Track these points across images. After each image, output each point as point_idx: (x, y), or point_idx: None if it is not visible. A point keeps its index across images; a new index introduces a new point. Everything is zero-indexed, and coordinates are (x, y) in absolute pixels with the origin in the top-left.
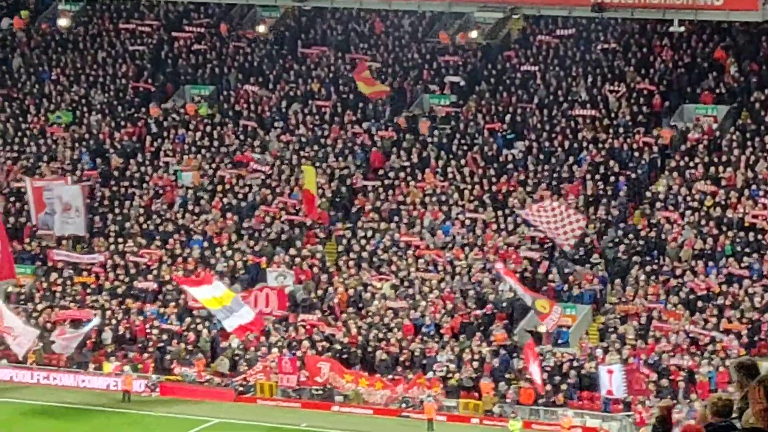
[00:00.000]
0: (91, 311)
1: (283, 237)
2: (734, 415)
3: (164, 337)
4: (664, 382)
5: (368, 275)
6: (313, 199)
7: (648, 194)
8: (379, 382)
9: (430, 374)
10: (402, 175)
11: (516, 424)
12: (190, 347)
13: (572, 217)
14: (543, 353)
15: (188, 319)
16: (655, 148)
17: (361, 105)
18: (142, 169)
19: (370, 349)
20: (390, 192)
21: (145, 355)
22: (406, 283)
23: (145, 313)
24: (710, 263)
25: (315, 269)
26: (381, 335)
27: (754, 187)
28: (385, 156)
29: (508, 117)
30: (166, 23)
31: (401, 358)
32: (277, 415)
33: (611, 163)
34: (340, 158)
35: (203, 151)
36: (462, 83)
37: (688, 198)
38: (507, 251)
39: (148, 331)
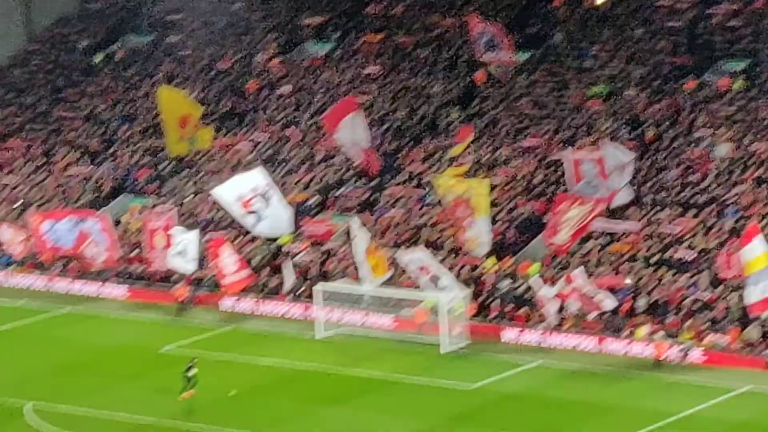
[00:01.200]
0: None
1: None
2: None
3: (696, 306)
4: None
5: None
6: None
7: None
8: None
9: None
10: None
11: None
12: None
13: None
14: None
15: (720, 288)
16: None
17: None
18: (677, 141)
19: None
20: None
21: (687, 323)
22: None
23: (679, 281)
24: None
25: None
26: None
27: None
28: None
29: None
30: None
31: None
32: None
33: None
34: None
35: (737, 124)
36: None
37: None
38: None
39: (680, 299)
